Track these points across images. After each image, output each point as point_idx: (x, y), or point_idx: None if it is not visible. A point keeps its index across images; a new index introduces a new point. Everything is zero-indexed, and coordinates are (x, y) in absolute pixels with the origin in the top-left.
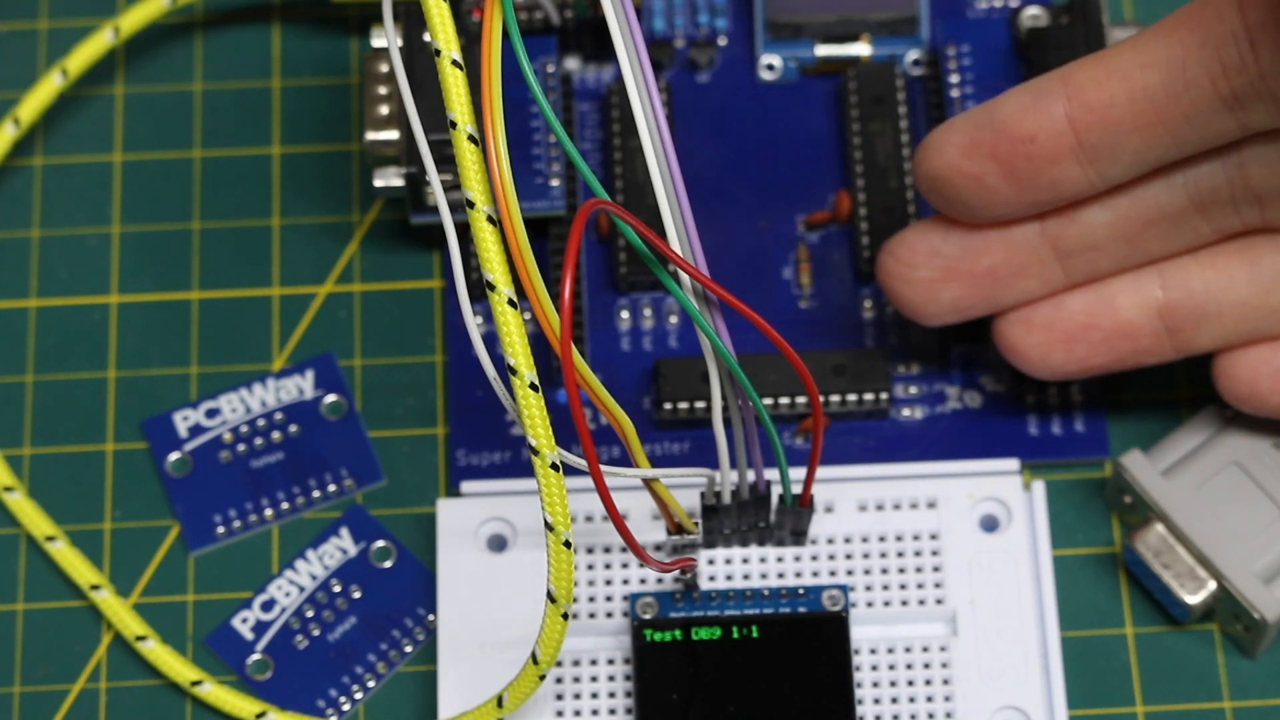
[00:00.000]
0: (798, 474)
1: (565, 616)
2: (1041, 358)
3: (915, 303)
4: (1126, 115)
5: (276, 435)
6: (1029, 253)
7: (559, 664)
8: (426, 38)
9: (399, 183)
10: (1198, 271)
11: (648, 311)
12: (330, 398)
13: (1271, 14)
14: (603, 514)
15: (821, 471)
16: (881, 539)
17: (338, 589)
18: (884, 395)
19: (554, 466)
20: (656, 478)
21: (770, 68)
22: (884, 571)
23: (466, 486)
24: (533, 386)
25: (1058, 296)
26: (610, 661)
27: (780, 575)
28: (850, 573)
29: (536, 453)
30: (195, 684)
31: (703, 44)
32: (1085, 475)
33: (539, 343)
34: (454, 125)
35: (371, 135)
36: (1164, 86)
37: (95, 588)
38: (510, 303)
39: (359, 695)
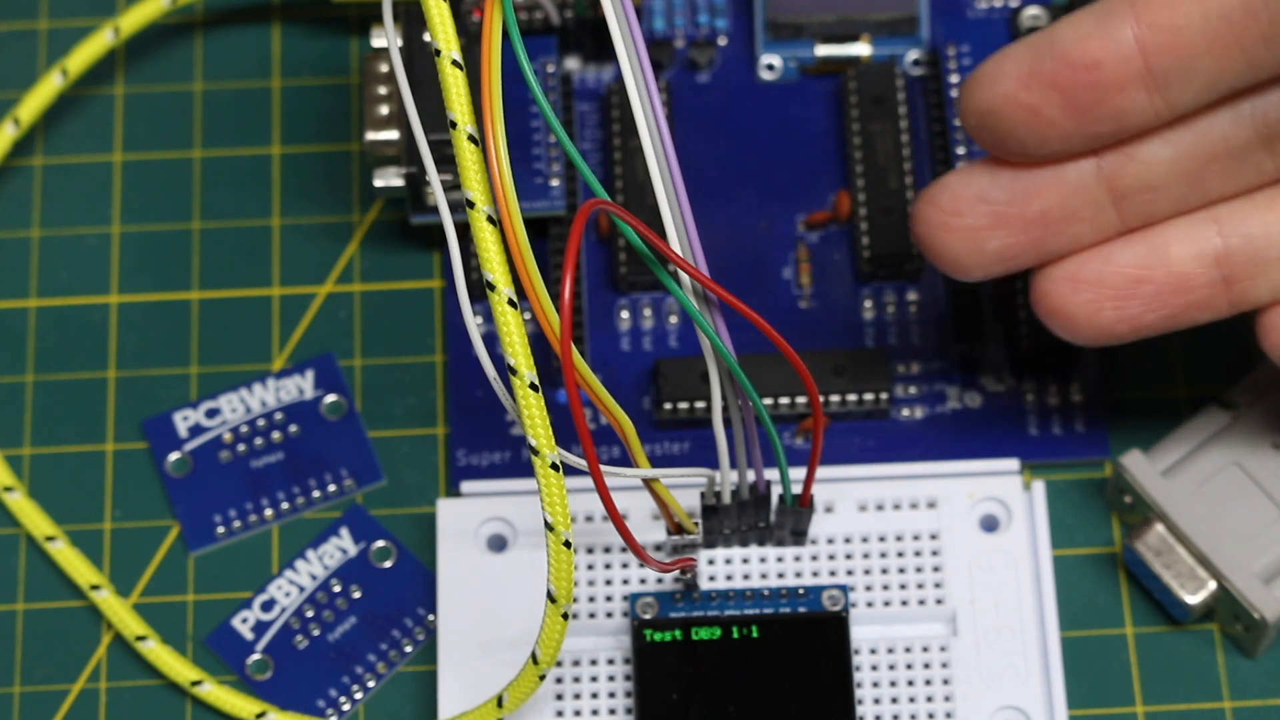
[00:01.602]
0: (798, 474)
1: (565, 616)
2: (1089, 316)
3: (958, 253)
4: (1200, 37)
5: (276, 435)
6: (1083, 194)
7: (559, 664)
8: (426, 38)
9: (399, 183)
10: (1256, 215)
11: (648, 311)
12: (330, 398)
13: None
14: (603, 514)
15: (821, 471)
16: (881, 539)
17: (338, 589)
18: (884, 395)
19: (554, 466)
20: (656, 478)
21: (770, 68)
22: (884, 571)
23: (466, 486)
24: (533, 386)
25: (1106, 250)
26: (610, 661)
27: (780, 575)
28: (850, 573)
29: (536, 453)
30: (195, 684)
31: (703, 44)
32: (1085, 475)
33: (539, 343)
34: (454, 125)
35: (371, 135)
36: (1241, 4)
37: (95, 588)
38: (510, 303)
39: (359, 695)
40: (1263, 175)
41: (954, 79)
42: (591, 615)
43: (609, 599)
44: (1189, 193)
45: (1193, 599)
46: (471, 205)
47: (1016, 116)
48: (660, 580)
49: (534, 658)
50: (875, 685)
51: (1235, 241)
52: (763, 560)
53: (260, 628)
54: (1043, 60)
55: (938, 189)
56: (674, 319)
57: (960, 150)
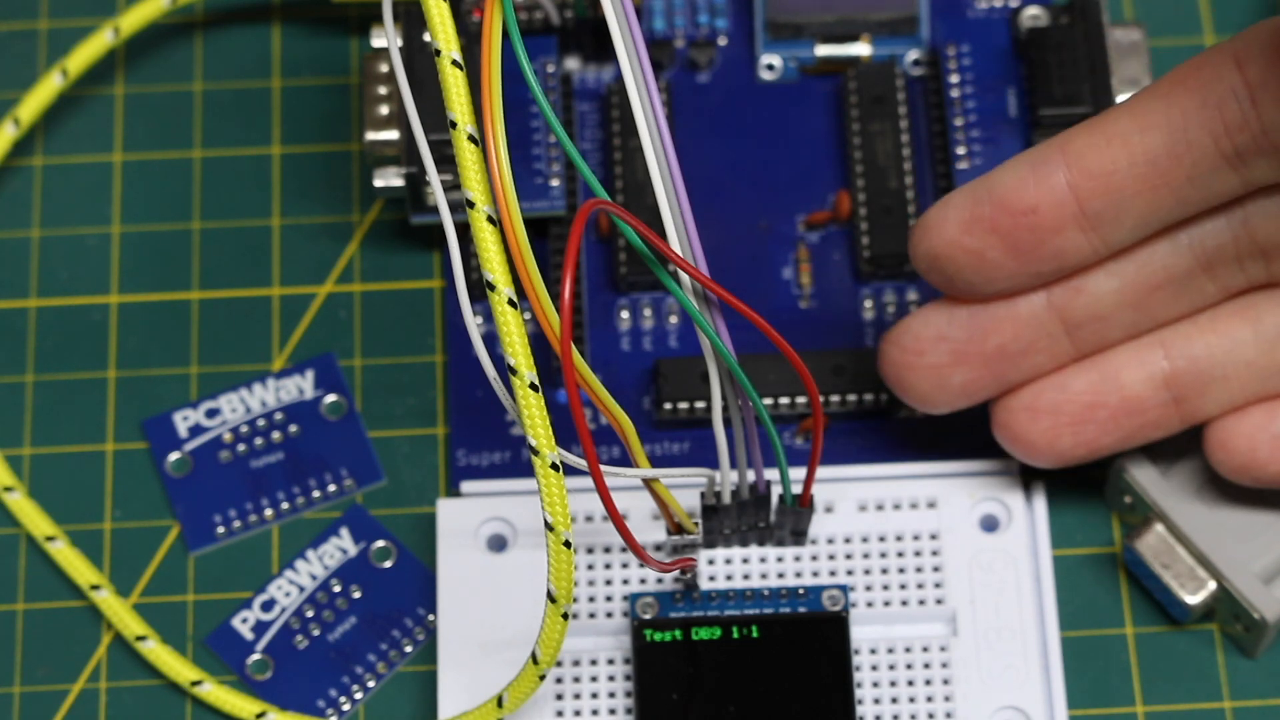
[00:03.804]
0: (798, 474)
1: (565, 616)
2: (1049, 444)
3: (924, 390)
4: (1128, 180)
5: (276, 435)
6: (1037, 328)
7: (559, 664)
8: (426, 38)
9: (399, 183)
10: (1200, 337)
11: (648, 311)
12: (330, 398)
13: (1271, 69)
14: (603, 514)
15: (821, 471)
16: (881, 539)
17: (338, 589)
18: (884, 395)
19: (554, 466)
20: (656, 478)
21: (770, 68)
22: (884, 571)
23: (466, 486)
24: (533, 386)
25: (1061, 378)
26: (610, 661)
27: (780, 575)
28: (850, 573)
29: (536, 453)
30: (195, 684)
31: (703, 44)
32: (1085, 475)
33: (539, 343)
34: (454, 125)
35: (371, 135)
36: (1165, 149)
37: (95, 588)
38: (510, 303)
39: (359, 695)
40: (1205, 298)
41: (954, 79)
42: (591, 615)
43: (609, 599)
44: (1137, 318)
45: (1193, 599)
46: (471, 205)
47: (962, 260)
48: (660, 580)
49: (534, 658)
50: (875, 685)
51: (1182, 364)
52: (763, 560)
53: (260, 628)
54: (982, 206)
55: (900, 330)
56: (674, 319)
57: (960, 150)
